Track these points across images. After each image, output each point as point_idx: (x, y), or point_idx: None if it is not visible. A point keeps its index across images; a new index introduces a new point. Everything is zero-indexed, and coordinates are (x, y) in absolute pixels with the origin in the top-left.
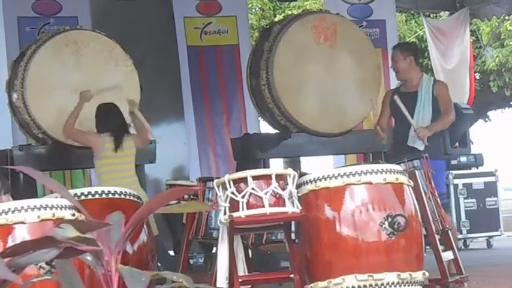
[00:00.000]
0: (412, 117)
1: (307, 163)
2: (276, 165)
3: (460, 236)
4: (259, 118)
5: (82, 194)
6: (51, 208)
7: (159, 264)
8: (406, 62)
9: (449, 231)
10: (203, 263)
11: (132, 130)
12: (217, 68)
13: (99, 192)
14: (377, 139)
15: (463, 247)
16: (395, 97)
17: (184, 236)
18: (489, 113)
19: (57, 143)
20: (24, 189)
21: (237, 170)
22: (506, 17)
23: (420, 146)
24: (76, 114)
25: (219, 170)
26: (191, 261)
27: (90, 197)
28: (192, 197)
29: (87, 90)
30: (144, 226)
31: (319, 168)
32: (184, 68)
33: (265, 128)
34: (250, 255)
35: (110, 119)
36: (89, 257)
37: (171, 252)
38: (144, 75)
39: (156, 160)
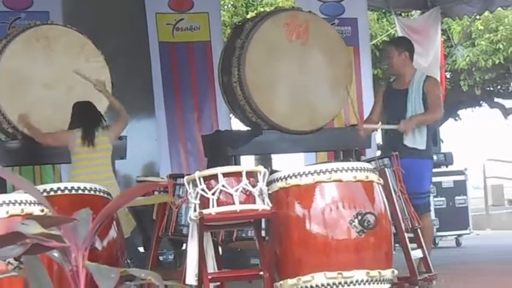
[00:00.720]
0: (405, 116)
1: (278, 160)
2: (247, 162)
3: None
4: (231, 115)
5: (51, 189)
6: (19, 203)
7: (128, 261)
8: (401, 58)
9: (419, 230)
10: (173, 260)
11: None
12: (189, 65)
13: (68, 188)
14: (355, 135)
15: (432, 245)
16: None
17: (154, 233)
18: (460, 112)
19: (27, 138)
20: None
21: (208, 167)
22: (478, 17)
23: (421, 146)
24: (32, 129)
25: (189, 166)
26: (161, 258)
27: (59, 192)
28: (162, 193)
29: (22, 115)
30: (114, 222)
31: (290, 165)
32: (155, 64)
33: (237, 125)
34: (220, 253)
35: (82, 115)
36: (56, 254)
37: (141, 249)
38: (115, 71)
39: (126, 156)
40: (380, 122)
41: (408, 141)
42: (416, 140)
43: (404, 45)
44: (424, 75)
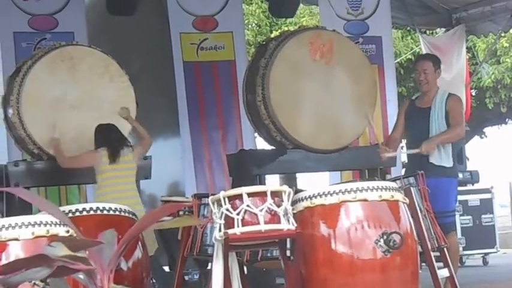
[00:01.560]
0: (428, 135)
1: (303, 180)
2: (272, 181)
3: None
4: (255, 134)
5: (77, 210)
6: (45, 225)
7: (154, 281)
8: (436, 74)
9: (445, 249)
10: (198, 280)
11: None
12: (214, 84)
13: (94, 208)
14: (375, 156)
15: (459, 264)
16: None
17: (179, 253)
18: (486, 130)
19: (52, 158)
20: (20, 205)
21: (233, 186)
22: (503, 34)
23: (448, 163)
24: (58, 153)
25: (214, 186)
26: (186, 278)
27: (84, 213)
28: (187, 213)
29: (53, 138)
30: (139, 243)
31: (315, 185)
32: (180, 84)
33: (261, 144)
34: (245, 272)
35: (107, 136)
36: (81, 276)
37: (166, 268)
38: (140, 90)
39: (151, 176)
40: (404, 147)
41: (434, 159)
42: (442, 158)
43: (438, 62)
44: (446, 92)
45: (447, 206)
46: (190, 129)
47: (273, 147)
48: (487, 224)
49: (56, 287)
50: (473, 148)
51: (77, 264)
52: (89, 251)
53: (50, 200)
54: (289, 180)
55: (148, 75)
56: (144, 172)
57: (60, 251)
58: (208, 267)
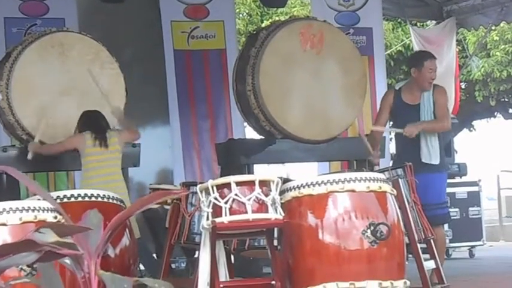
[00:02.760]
0: (421, 132)
1: (292, 170)
2: (262, 170)
3: None
4: (245, 124)
5: (65, 196)
6: (33, 210)
7: (142, 268)
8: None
9: (432, 240)
10: (185, 268)
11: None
12: (204, 73)
13: (82, 194)
14: (364, 151)
15: (445, 256)
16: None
17: (166, 241)
18: (474, 123)
19: (41, 144)
20: (7, 190)
21: (221, 176)
22: (493, 27)
23: (435, 161)
24: (42, 150)
25: (203, 174)
26: (173, 266)
27: (72, 199)
28: (175, 201)
29: (33, 144)
30: (126, 230)
31: (304, 174)
32: (170, 72)
33: (251, 133)
34: (233, 261)
35: (92, 121)
36: (68, 261)
37: (154, 256)
38: (130, 78)
39: (140, 164)
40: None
41: (424, 158)
42: (431, 156)
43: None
44: (431, 85)
45: (439, 198)
46: (180, 118)
47: (262, 137)
48: (474, 216)
49: (44, 272)
50: (462, 141)
51: (63, 250)
52: (75, 236)
53: None
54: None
55: (139, 63)
56: (132, 160)
57: (49, 237)
58: (196, 256)
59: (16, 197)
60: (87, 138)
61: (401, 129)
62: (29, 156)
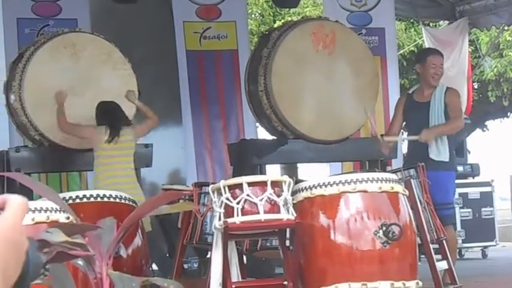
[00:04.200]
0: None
1: (305, 170)
2: (273, 171)
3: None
4: (257, 124)
5: (77, 197)
6: (45, 211)
7: (156, 268)
8: (443, 66)
9: (444, 241)
10: (197, 268)
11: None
12: (216, 73)
13: (94, 195)
14: (376, 148)
15: (458, 257)
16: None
17: (178, 241)
18: (487, 123)
19: (54, 145)
20: (21, 191)
21: (233, 176)
22: (506, 27)
23: (445, 158)
24: (60, 111)
25: (215, 175)
26: (186, 266)
27: (85, 200)
28: (187, 201)
29: (61, 92)
30: (138, 230)
31: (316, 175)
32: (183, 72)
33: (263, 133)
34: (245, 261)
35: (108, 113)
36: (80, 262)
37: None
38: (142, 78)
39: (152, 164)
40: (400, 134)
41: (433, 154)
42: (440, 153)
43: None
44: (444, 86)
45: (446, 198)
46: (192, 118)
47: (274, 137)
48: (486, 217)
49: (56, 273)
50: (475, 141)
51: (75, 250)
52: (88, 237)
53: (51, 186)
54: (290, 170)
55: (151, 64)
56: (145, 160)
57: (59, 236)
58: (208, 256)
59: (29, 197)
60: (100, 132)
61: (417, 136)
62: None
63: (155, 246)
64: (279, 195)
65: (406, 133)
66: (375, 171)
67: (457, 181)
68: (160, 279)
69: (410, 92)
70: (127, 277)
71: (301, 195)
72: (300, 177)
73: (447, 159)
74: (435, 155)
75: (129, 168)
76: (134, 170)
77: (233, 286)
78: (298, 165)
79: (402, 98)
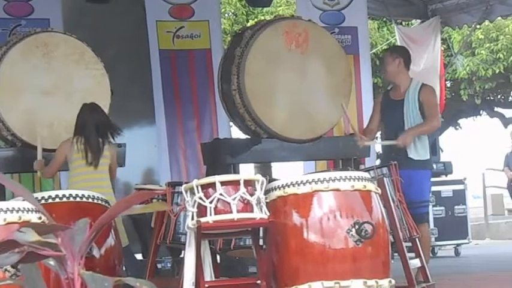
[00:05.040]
0: (403, 127)
1: (278, 169)
2: (247, 170)
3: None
4: (231, 123)
5: (49, 197)
6: (17, 211)
7: (125, 269)
8: (395, 63)
9: (417, 239)
10: (171, 268)
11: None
12: (189, 72)
13: (67, 195)
14: (351, 146)
15: (431, 255)
16: (375, 142)
17: (152, 241)
18: (460, 121)
19: (26, 145)
20: None
21: (207, 175)
22: (478, 26)
23: (424, 156)
24: (44, 170)
25: (189, 174)
26: (159, 266)
27: (57, 200)
28: (161, 201)
29: (40, 160)
30: (112, 231)
31: (290, 174)
32: (156, 72)
33: (237, 133)
34: (219, 261)
35: (97, 128)
36: (51, 262)
37: (139, 256)
38: (115, 78)
39: (125, 164)
40: (378, 137)
41: (411, 153)
42: (418, 152)
43: (400, 52)
44: (419, 83)
45: (421, 196)
46: (166, 118)
47: (248, 137)
48: (459, 215)
49: (27, 273)
50: (448, 139)
51: (46, 250)
52: (60, 237)
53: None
54: (265, 169)
55: (124, 63)
56: (118, 160)
57: (30, 236)
58: (181, 256)
59: (1, 198)
60: (74, 150)
61: (394, 140)
62: (39, 174)
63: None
64: (252, 194)
65: (380, 137)
66: (348, 170)
67: None
68: (133, 279)
69: (388, 89)
70: (99, 277)
71: (274, 194)
72: (274, 176)
73: (426, 158)
74: (413, 153)
75: (107, 186)
76: (109, 181)
77: (206, 285)
78: (272, 164)
79: (380, 96)
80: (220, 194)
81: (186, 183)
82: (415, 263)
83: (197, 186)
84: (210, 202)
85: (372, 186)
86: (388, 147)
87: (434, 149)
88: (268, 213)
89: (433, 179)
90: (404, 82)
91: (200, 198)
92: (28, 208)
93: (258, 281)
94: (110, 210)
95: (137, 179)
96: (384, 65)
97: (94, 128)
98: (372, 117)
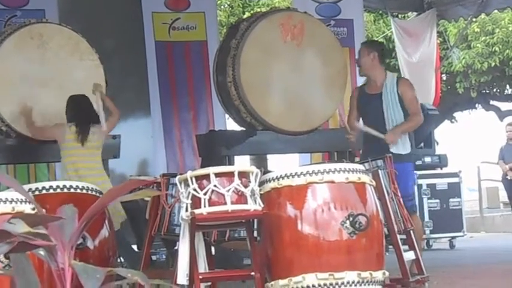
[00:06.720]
0: (384, 121)
1: (274, 161)
2: (243, 162)
3: (423, 236)
4: (227, 115)
5: (43, 188)
6: (10, 202)
7: (121, 260)
8: (369, 57)
9: (412, 231)
10: (166, 259)
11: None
12: (185, 64)
13: (61, 186)
14: (346, 137)
15: (425, 247)
16: (361, 126)
17: (146, 232)
18: (456, 114)
19: (21, 136)
20: None
21: (202, 167)
22: (474, 19)
23: (404, 150)
24: (29, 122)
25: (185, 166)
26: (154, 257)
27: (51, 191)
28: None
29: (25, 106)
30: (105, 221)
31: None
32: (151, 63)
33: (233, 125)
34: (213, 252)
35: (79, 111)
36: (42, 252)
37: (135, 247)
38: (111, 69)
39: (120, 155)
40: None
41: (394, 149)
42: (398, 146)
43: (374, 46)
44: (395, 77)
45: (406, 190)
46: (162, 109)
47: (243, 128)
48: (454, 207)
49: (17, 263)
50: (443, 132)
51: (36, 240)
52: (49, 227)
53: (19, 177)
54: (260, 161)
55: (120, 55)
56: (112, 151)
57: (20, 227)
58: (176, 247)
59: None
60: (67, 132)
61: (382, 133)
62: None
63: (120, 238)
64: (246, 186)
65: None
66: (343, 162)
67: (425, 172)
68: (124, 270)
69: (362, 84)
70: (91, 268)
71: (269, 186)
72: (269, 168)
73: (406, 152)
74: (395, 148)
75: (98, 168)
76: (103, 168)
77: (200, 277)
78: (268, 156)
79: (355, 92)
80: (215, 186)
81: (180, 174)
82: (409, 255)
83: (191, 178)
84: (204, 194)
85: (366, 178)
86: (370, 142)
87: (430, 142)
88: (262, 205)
89: (428, 172)
90: (379, 76)
91: (194, 189)
92: (22, 199)
93: (252, 273)
94: (101, 199)
95: (132, 171)
96: (359, 58)
97: (82, 115)
98: (350, 113)
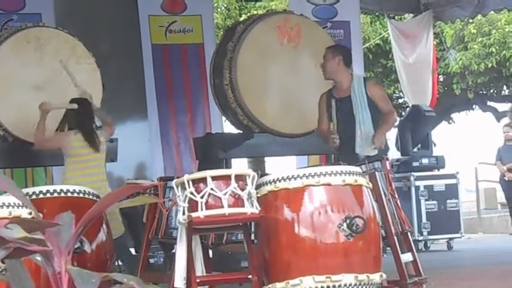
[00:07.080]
0: (355, 123)
1: (271, 163)
2: (240, 165)
3: (420, 238)
4: (224, 118)
5: (41, 192)
6: (7, 206)
7: (120, 263)
8: (335, 61)
9: (409, 233)
10: (163, 263)
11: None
12: (182, 67)
13: (58, 190)
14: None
15: (423, 249)
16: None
17: (144, 236)
18: (453, 115)
19: (18, 140)
20: None
21: (199, 170)
22: (470, 20)
23: (372, 152)
24: (41, 127)
25: (182, 169)
26: (152, 261)
27: (48, 195)
28: (148, 195)
29: (46, 102)
30: (103, 225)
31: (281, 169)
32: (148, 66)
33: (230, 127)
34: (211, 255)
35: (84, 115)
36: (38, 258)
37: (132, 251)
38: (108, 73)
39: (117, 159)
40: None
41: (359, 150)
42: (364, 148)
43: (339, 49)
44: (361, 78)
45: None
46: (158, 112)
47: (240, 131)
48: (452, 209)
49: (13, 268)
50: (440, 134)
51: (32, 246)
52: (46, 232)
53: (16, 181)
54: (258, 164)
55: (116, 58)
56: (110, 155)
57: (16, 233)
58: (173, 250)
59: None
60: (72, 139)
61: (373, 146)
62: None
63: (119, 242)
64: (243, 189)
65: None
66: (340, 165)
67: (422, 173)
68: (120, 275)
69: (329, 89)
70: (86, 273)
71: (266, 189)
72: (267, 171)
73: (373, 153)
74: (360, 150)
75: (102, 173)
76: (105, 174)
77: (197, 280)
78: (266, 159)
79: (323, 96)
80: (211, 189)
81: (177, 178)
82: (406, 257)
83: (188, 181)
84: (201, 197)
85: (363, 181)
86: (345, 144)
87: (427, 143)
88: (259, 208)
89: (425, 173)
90: (345, 79)
91: (191, 193)
92: (18, 203)
93: (250, 276)
94: (98, 203)
95: (130, 174)
96: (324, 62)
97: (86, 120)
98: (320, 119)
